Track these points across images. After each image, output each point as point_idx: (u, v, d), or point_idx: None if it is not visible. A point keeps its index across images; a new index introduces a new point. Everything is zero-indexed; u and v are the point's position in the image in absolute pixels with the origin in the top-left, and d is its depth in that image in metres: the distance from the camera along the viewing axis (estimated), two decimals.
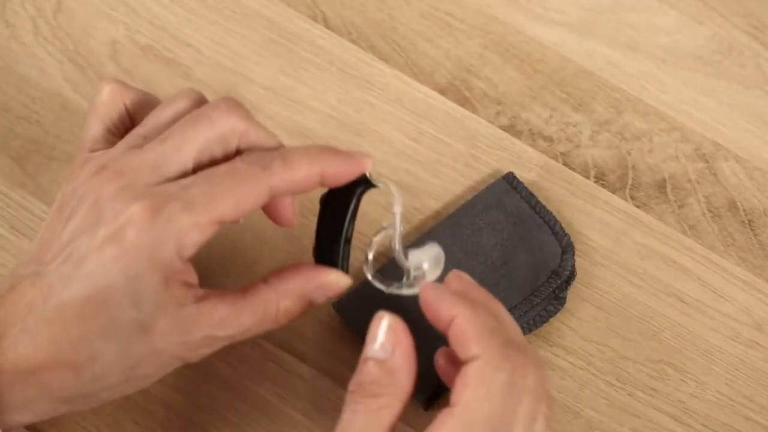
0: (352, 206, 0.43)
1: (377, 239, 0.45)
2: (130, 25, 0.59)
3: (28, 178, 0.54)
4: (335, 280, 0.43)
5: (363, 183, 0.43)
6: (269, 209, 0.45)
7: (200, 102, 0.44)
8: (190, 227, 0.39)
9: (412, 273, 0.43)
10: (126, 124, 0.45)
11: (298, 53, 0.59)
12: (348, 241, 0.44)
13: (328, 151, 0.42)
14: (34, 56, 0.58)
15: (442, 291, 0.41)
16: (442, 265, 0.44)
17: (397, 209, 0.43)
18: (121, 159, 0.41)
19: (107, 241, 0.39)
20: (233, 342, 0.42)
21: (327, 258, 0.44)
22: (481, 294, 0.42)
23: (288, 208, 0.45)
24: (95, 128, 0.45)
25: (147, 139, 0.42)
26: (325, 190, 0.44)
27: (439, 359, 0.44)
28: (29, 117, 0.56)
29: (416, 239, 0.53)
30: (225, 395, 0.50)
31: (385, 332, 0.39)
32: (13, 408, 0.40)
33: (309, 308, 0.43)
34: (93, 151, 0.43)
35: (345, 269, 0.44)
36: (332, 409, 0.50)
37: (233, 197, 0.39)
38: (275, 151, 0.42)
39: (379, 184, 0.43)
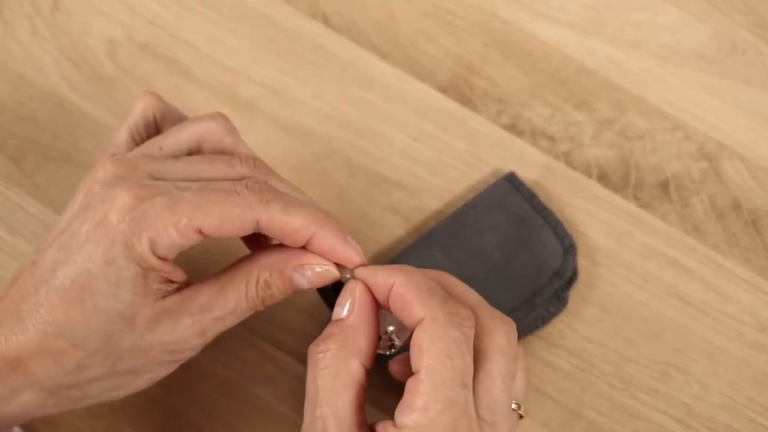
0: (335, 293, 0.43)
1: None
2: (128, 24, 0.59)
3: (25, 178, 0.54)
4: (318, 262, 0.42)
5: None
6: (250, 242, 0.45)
7: (226, 127, 0.45)
8: (167, 225, 0.39)
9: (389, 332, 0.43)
10: (150, 133, 0.47)
11: (298, 52, 0.59)
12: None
13: (331, 225, 0.41)
14: (31, 54, 0.58)
15: (374, 266, 0.41)
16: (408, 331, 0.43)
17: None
18: (129, 155, 0.42)
19: (93, 225, 0.39)
20: (225, 327, 0.41)
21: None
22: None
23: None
24: (120, 136, 0.46)
25: (163, 150, 0.43)
26: None
27: (393, 365, 0.45)
28: (26, 116, 0.56)
29: (416, 240, 0.53)
30: (223, 397, 0.49)
31: (348, 298, 0.41)
32: (1, 397, 0.40)
33: (291, 292, 0.42)
34: (113, 155, 0.44)
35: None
36: None
37: (219, 215, 0.39)
38: (283, 193, 0.41)
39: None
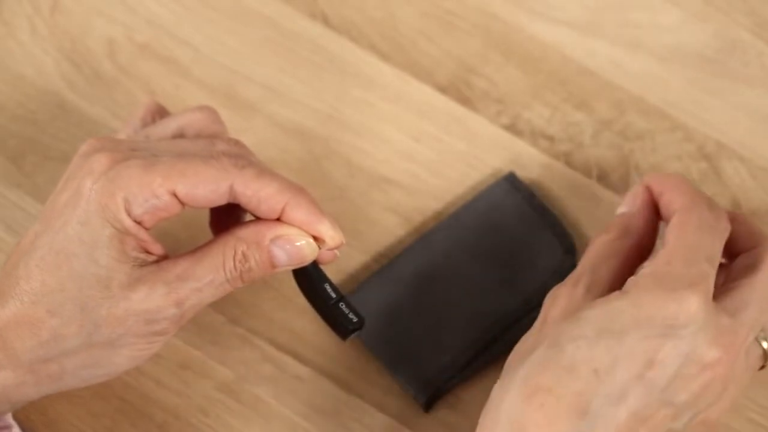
0: (315, 277, 0.43)
1: None
2: (127, 24, 0.59)
3: (25, 178, 0.54)
4: (296, 233, 0.42)
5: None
6: (216, 220, 0.46)
7: (212, 118, 0.46)
8: (142, 183, 0.39)
9: None
10: None
11: (298, 52, 0.59)
12: (339, 300, 0.43)
13: (306, 195, 0.41)
14: (31, 55, 0.58)
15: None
16: None
17: None
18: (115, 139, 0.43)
19: (72, 193, 0.40)
20: (203, 301, 0.41)
21: (331, 321, 0.44)
22: None
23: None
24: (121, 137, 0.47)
25: (149, 138, 0.44)
26: None
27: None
28: (25, 116, 0.56)
29: (416, 240, 0.53)
30: (223, 397, 0.49)
31: (628, 197, 0.46)
32: None
33: (270, 267, 0.42)
34: None
35: (349, 326, 0.43)
36: (331, 410, 0.49)
37: (194, 176, 0.40)
38: (258, 162, 0.42)
39: None
